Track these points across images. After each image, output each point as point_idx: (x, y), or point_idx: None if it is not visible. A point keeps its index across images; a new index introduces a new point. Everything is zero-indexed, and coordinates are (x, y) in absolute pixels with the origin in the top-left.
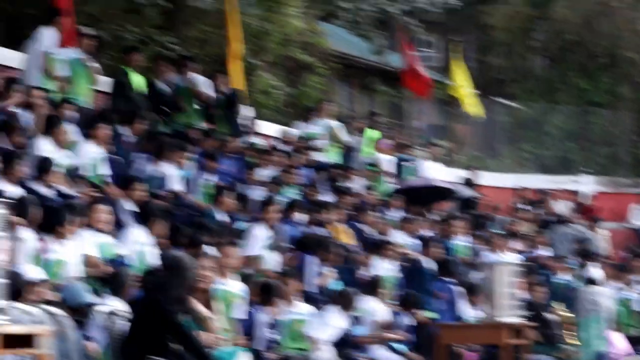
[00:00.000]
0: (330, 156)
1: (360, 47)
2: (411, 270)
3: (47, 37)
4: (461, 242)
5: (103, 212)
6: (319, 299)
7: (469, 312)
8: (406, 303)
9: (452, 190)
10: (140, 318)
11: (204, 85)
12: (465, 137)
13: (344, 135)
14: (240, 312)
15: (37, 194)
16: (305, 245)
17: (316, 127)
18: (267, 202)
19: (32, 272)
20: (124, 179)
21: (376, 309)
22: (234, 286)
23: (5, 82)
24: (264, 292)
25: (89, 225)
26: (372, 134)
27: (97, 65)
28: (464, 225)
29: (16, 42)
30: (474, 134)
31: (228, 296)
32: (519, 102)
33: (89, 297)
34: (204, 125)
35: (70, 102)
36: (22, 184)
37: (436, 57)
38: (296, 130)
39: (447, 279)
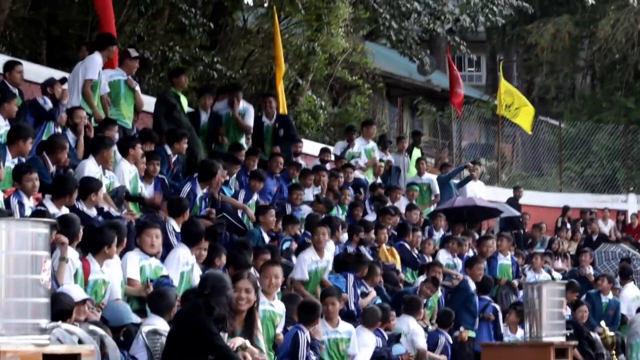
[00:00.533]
0: (371, 176)
1: (405, 66)
2: (455, 290)
3: (93, 63)
4: (505, 261)
5: (153, 235)
6: (357, 317)
7: (509, 332)
8: (445, 322)
9: (497, 210)
10: (180, 337)
11: (248, 113)
12: (511, 156)
13: (384, 156)
14: (281, 332)
15: (81, 214)
16: (344, 263)
17: (358, 147)
18: (314, 223)
19: (75, 291)
20: (170, 200)
21: (416, 328)
22: (277, 306)
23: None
24: (306, 311)
25: (138, 247)
26: (417, 153)
27: (137, 86)
28: (507, 244)
29: (60, 62)
30: (519, 153)
31: (271, 316)
32: (564, 121)
33: (133, 317)
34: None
35: (113, 122)
36: (68, 205)
37: (480, 76)
38: (339, 150)
39: (488, 298)
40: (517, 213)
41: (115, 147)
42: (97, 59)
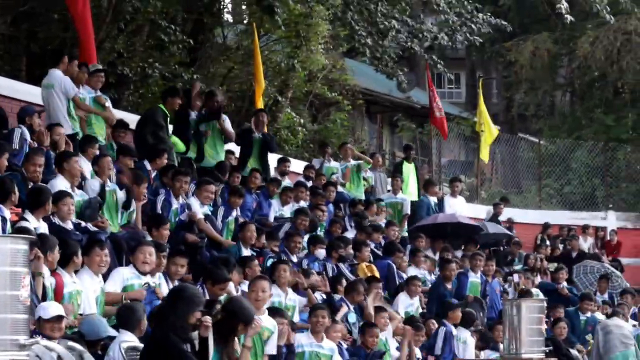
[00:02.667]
0: (352, 192)
1: (385, 83)
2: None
3: (64, 80)
4: (475, 279)
5: (146, 253)
6: None
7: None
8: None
9: (479, 227)
10: (149, 351)
11: (226, 120)
12: (490, 173)
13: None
14: (271, 347)
15: (57, 227)
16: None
17: (334, 163)
18: (292, 238)
19: (52, 307)
20: (150, 216)
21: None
22: (265, 321)
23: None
24: None
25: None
26: (410, 168)
27: (108, 101)
28: (482, 261)
29: (39, 78)
30: (498, 170)
31: (259, 331)
32: (543, 138)
33: (110, 330)
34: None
35: (94, 140)
36: (45, 219)
37: (459, 93)
38: (317, 166)
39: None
40: (509, 233)
41: (79, 160)
42: (59, 74)
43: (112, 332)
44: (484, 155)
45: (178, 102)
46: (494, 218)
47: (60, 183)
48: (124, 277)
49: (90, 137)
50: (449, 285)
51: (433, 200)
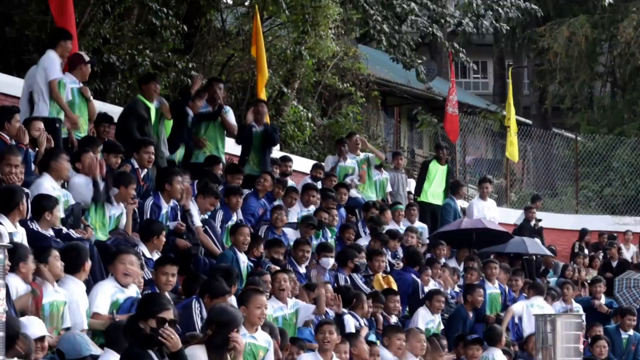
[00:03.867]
0: (366, 194)
1: (403, 73)
2: (451, 317)
3: (51, 61)
4: (493, 290)
5: (127, 263)
6: None
7: None
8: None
9: (508, 234)
10: None
11: (229, 112)
12: (521, 174)
13: (378, 174)
14: None
15: (35, 234)
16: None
17: (350, 162)
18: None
19: (34, 326)
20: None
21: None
22: (259, 338)
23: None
24: None
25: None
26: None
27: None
28: (500, 272)
29: (15, 66)
30: (530, 170)
31: (252, 350)
32: (581, 134)
33: (92, 349)
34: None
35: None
36: (23, 224)
37: (486, 84)
38: (329, 166)
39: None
40: (547, 252)
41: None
42: (52, 56)
43: (95, 350)
44: (512, 153)
45: (156, 87)
46: (526, 224)
47: (46, 183)
48: (109, 292)
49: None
50: (469, 313)
51: (461, 204)
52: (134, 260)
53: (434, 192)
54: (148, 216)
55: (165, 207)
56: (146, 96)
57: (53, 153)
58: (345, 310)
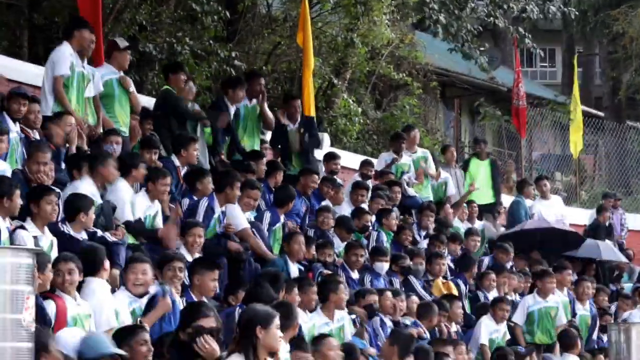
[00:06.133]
0: (421, 193)
1: (463, 62)
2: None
3: (60, 55)
4: (584, 312)
5: (139, 272)
6: None
7: None
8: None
9: (580, 237)
10: None
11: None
12: (592, 170)
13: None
14: None
15: (66, 238)
16: None
17: (406, 159)
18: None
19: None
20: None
21: None
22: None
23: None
24: None
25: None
26: (482, 165)
27: (132, 86)
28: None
29: (44, 56)
30: (602, 167)
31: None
32: None
33: (111, 348)
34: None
35: (114, 132)
36: (53, 228)
37: (554, 73)
38: (382, 163)
39: None
40: (623, 258)
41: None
42: (63, 49)
43: (117, 349)
44: (575, 148)
45: (182, 78)
46: (598, 225)
47: (86, 187)
48: (125, 304)
49: (110, 130)
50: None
51: (529, 204)
52: (148, 268)
53: (479, 192)
54: (201, 218)
55: (218, 211)
56: (172, 85)
57: (101, 157)
58: (408, 320)
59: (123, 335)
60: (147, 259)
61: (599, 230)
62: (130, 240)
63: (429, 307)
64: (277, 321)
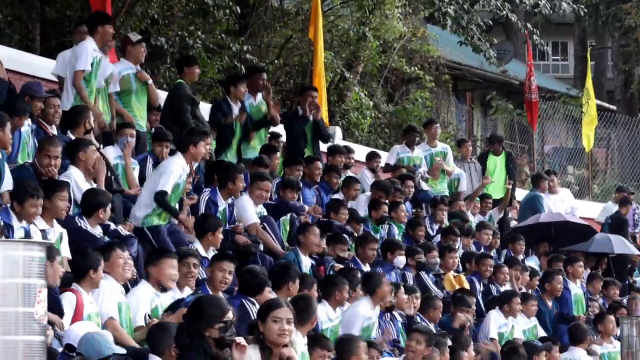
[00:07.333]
0: (436, 187)
1: (475, 55)
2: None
3: (82, 50)
4: (578, 290)
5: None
6: None
7: None
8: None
9: (591, 229)
10: None
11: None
12: (605, 164)
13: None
14: None
15: (84, 234)
16: None
17: (418, 152)
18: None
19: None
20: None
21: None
22: (300, 344)
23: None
24: None
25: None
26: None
27: (150, 79)
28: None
29: (56, 49)
30: (615, 160)
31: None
32: None
33: (113, 348)
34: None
35: (128, 126)
36: (64, 221)
37: (566, 67)
38: (394, 156)
39: None
40: (636, 251)
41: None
42: (86, 45)
43: (118, 349)
44: (587, 142)
45: (197, 71)
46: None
47: (76, 176)
48: (148, 299)
49: (124, 124)
50: (549, 302)
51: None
52: (175, 263)
53: (495, 186)
54: (202, 212)
55: (223, 205)
56: (186, 79)
57: (81, 143)
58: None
59: None
60: (175, 254)
61: (620, 223)
62: None
63: (433, 300)
64: (274, 314)
